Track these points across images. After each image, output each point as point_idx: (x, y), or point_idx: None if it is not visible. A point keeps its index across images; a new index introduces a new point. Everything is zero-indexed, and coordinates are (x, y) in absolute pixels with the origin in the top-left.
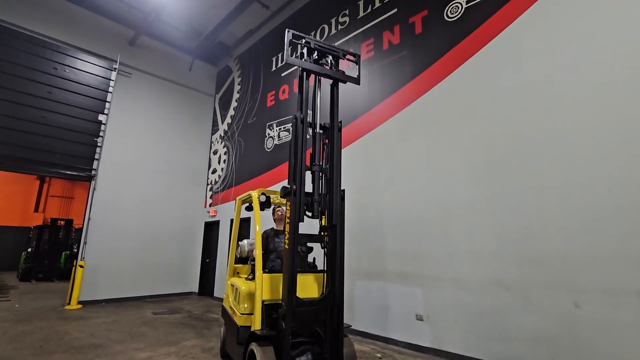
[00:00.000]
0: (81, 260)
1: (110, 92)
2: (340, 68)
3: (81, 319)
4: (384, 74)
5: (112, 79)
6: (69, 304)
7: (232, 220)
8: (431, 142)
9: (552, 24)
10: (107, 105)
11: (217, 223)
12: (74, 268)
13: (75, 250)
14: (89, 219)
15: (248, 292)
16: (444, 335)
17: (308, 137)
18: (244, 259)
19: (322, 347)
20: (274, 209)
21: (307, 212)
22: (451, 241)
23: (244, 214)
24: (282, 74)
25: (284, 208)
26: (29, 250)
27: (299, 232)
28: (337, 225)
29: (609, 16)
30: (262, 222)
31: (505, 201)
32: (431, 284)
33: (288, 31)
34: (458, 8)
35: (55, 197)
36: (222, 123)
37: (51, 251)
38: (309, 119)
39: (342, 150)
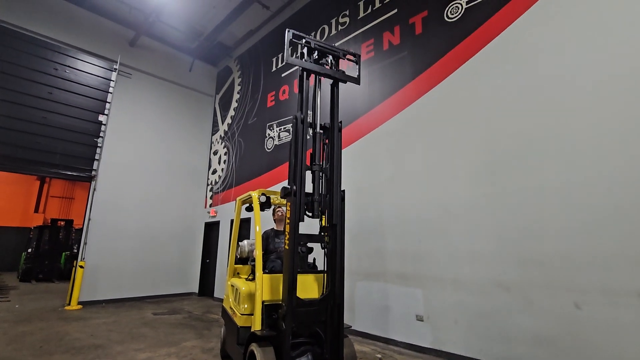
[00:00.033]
0: (81, 260)
1: (111, 93)
2: (340, 68)
3: (81, 320)
4: (384, 74)
5: (112, 79)
6: (69, 304)
7: (232, 221)
8: (431, 142)
9: (552, 25)
10: (107, 105)
11: (217, 223)
12: (74, 268)
13: (76, 251)
14: (89, 219)
15: (248, 293)
16: (444, 336)
17: (308, 137)
18: (244, 259)
19: (323, 347)
20: (274, 210)
21: (307, 212)
22: (451, 241)
23: (244, 214)
24: (282, 75)
25: (284, 208)
26: (29, 250)
27: (299, 232)
28: (337, 226)
29: (609, 16)
30: (262, 222)
31: (505, 201)
32: (431, 285)
33: (288, 31)
34: (458, 8)
35: (55, 197)
36: (222, 123)
37: (51, 251)
38: (309, 119)
39: (343, 150)
